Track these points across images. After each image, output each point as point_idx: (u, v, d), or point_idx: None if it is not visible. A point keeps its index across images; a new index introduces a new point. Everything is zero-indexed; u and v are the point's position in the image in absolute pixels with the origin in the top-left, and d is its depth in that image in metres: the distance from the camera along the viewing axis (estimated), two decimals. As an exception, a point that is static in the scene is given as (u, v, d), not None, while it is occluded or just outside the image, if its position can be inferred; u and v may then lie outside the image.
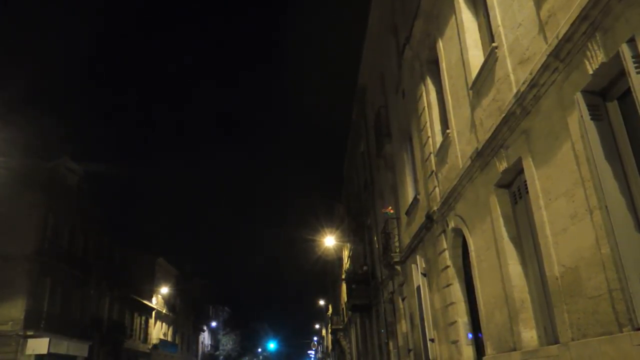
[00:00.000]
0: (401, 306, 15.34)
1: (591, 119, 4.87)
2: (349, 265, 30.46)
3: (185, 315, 57.58)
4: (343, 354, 38.96)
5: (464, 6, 8.81)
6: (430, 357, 11.48)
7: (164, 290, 48.55)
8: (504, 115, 6.70)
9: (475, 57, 8.31)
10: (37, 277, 27.19)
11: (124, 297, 39.11)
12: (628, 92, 4.52)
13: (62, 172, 31.26)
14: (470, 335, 9.40)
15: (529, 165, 6.25)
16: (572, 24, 4.89)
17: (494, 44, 7.19)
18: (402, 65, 13.53)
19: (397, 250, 15.06)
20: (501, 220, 7.40)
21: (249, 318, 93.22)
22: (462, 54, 8.81)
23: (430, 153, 11.01)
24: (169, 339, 51.37)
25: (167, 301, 51.12)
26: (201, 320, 65.50)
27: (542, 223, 5.91)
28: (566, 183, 5.38)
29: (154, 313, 46.71)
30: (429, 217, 11.01)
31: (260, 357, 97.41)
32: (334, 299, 47.15)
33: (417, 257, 12.57)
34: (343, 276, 32.03)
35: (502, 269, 7.33)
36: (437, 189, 10.71)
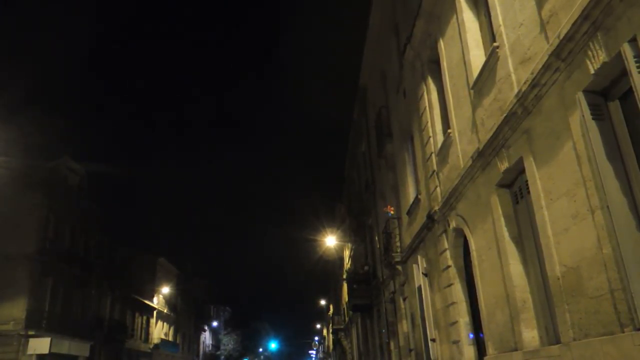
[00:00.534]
0: (402, 306, 15.33)
1: (593, 118, 4.87)
2: (350, 265, 30.45)
3: (187, 315, 57.59)
4: (344, 353, 38.95)
5: (465, 6, 8.81)
6: (432, 357, 11.47)
7: (165, 290, 48.58)
8: (505, 114, 6.70)
9: (477, 57, 8.30)
10: (38, 277, 27.24)
11: (125, 297, 39.13)
12: (630, 92, 4.52)
13: (63, 172, 31.30)
14: (471, 335, 9.38)
15: (530, 165, 6.24)
16: (573, 24, 4.89)
17: (495, 44, 7.19)
18: (403, 65, 13.52)
19: (398, 250, 15.06)
20: (502, 220, 7.39)
21: (249, 318, 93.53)
22: (463, 54, 8.80)
23: (432, 153, 11.00)
24: (170, 338, 51.36)
25: (168, 301, 51.13)
26: (202, 320, 65.55)
27: (543, 223, 5.91)
28: (567, 183, 5.37)
29: (155, 313, 46.72)
30: (430, 217, 11.00)
31: (262, 357, 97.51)
32: (335, 298, 47.20)
33: (418, 257, 12.57)
34: (344, 276, 31.99)
35: (503, 268, 7.32)
36: (438, 189, 10.70)
